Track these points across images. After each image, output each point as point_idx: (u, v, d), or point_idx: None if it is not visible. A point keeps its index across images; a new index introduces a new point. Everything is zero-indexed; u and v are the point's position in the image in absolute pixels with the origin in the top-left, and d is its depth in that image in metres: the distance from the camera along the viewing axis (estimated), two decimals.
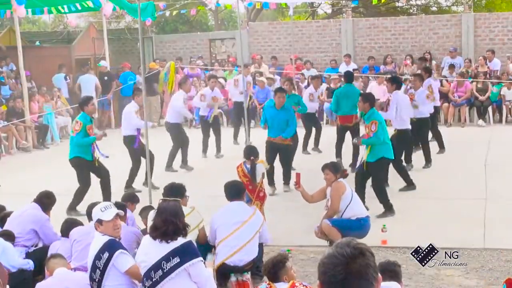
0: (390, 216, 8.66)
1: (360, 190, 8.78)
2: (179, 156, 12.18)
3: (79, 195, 9.45)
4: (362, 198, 8.79)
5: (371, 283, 2.44)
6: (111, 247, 5.33)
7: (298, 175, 7.59)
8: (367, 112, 8.89)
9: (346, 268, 2.44)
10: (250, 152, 8.41)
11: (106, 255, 5.29)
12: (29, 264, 6.40)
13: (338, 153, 11.93)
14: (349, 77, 12.26)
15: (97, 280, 5.32)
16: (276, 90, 10.85)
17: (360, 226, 7.07)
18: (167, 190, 6.74)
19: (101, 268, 5.29)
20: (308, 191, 7.81)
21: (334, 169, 7.43)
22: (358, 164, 9.21)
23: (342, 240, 2.56)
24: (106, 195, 9.42)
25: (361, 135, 9.31)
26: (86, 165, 9.47)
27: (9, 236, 6.56)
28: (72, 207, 9.26)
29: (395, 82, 10.67)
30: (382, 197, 8.79)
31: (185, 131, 12.41)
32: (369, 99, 9.01)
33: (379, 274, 2.49)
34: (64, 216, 7.01)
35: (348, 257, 2.45)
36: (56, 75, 17.61)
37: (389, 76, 12.19)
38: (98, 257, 5.31)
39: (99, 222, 5.43)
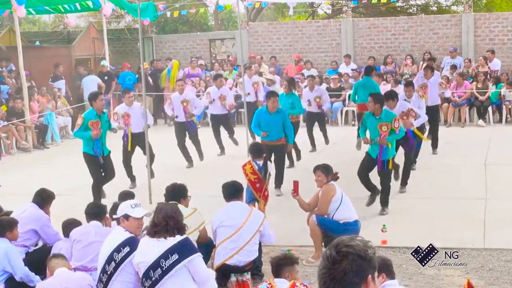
0: (386, 213, 8.76)
1: (366, 182, 8.87)
2: (177, 156, 12.21)
3: (95, 190, 9.47)
4: (371, 185, 8.88)
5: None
6: (133, 243, 5.36)
7: (296, 183, 7.48)
8: (380, 113, 8.78)
9: (328, 271, 2.51)
10: (260, 149, 8.40)
11: (126, 249, 5.33)
12: (34, 282, 6.12)
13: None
14: (368, 70, 13.59)
15: (108, 272, 5.33)
16: (268, 94, 10.62)
17: (345, 230, 6.95)
18: (169, 190, 6.74)
19: (117, 261, 5.31)
20: (308, 191, 7.80)
21: (325, 171, 7.37)
22: (383, 165, 8.87)
23: (341, 238, 2.60)
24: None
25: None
26: (91, 160, 9.46)
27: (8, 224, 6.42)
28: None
29: (395, 96, 10.04)
30: (387, 193, 8.89)
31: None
32: (379, 99, 8.93)
33: (369, 277, 2.51)
34: (66, 216, 6.99)
35: (330, 261, 2.52)
36: (57, 81, 17.59)
37: (385, 93, 12.02)
38: (118, 249, 5.34)
39: (126, 217, 5.49)
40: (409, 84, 11.44)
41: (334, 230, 7.02)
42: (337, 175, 7.47)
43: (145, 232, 5.44)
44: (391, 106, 9.67)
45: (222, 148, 13.20)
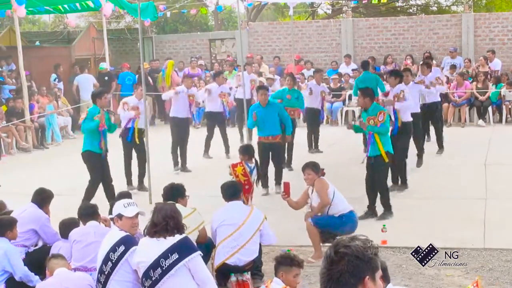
0: (389, 218, 8.60)
1: (370, 193, 8.75)
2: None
3: (89, 192, 9.28)
4: (374, 201, 8.73)
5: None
6: (128, 242, 5.37)
7: (287, 184, 7.51)
8: (369, 107, 8.67)
9: (326, 272, 2.54)
10: (252, 151, 8.43)
11: (122, 248, 5.32)
12: (34, 282, 6.11)
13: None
14: (365, 65, 13.57)
15: (106, 272, 5.32)
16: (257, 88, 10.93)
17: (342, 223, 7.11)
18: (167, 190, 6.73)
19: (113, 261, 5.31)
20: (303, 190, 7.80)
21: (315, 169, 7.38)
22: (363, 159, 8.92)
23: (341, 238, 2.61)
24: (110, 195, 9.38)
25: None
26: (94, 158, 9.33)
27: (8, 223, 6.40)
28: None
29: (398, 75, 10.69)
30: (384, 195, 8.72)
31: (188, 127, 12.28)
32: (368, 93, 8.84)
33: (366, 278, 2.51)
34: (66, 216, 6.98)
35: (329, 262, 2.55)
36: (52, 75, 17.69)
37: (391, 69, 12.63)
38: (113, 249, 5.34)
39: (119, 217, 5.51)
40: (406, 70, 11.88)
41: (333, 226, 7.07)
42: (323, 171, 7.49)
43: (145, 231, 5.44)
44: (392, 84, 10.43)
45: (207, 149, 13.05)
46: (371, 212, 8.71)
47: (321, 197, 7.29)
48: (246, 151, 8.48)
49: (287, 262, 5.21)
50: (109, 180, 9.50)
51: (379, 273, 2.58)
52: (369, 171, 8.77)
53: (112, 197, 9.08)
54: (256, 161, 8.38)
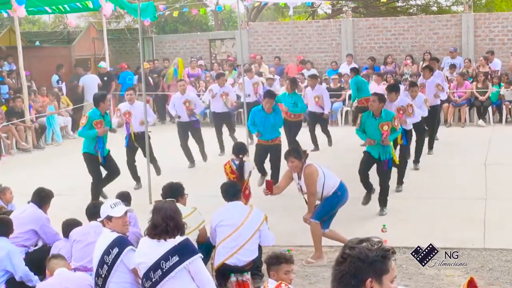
0: (385, 214, 8.76)
1: (365, 180, 8.89)
2: (178, 156, 12.22)
3: (95, 190, 9.47)
4: (368, 186, 8.94)
5: None
6: (121, 243, 5.36)
7: (269, 182, 7.58)
8: (380, 112, 8.75)
9: (334, 272, 2.62)
10: (239, 149, 8.48)
11: (115, 250, 5.31)
12: (33, 282, 6.14)
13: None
14: (355, 71, 14.18)
15: (103, 275, 5.31)
16: (265, 94, 10.63)
17: (339, 198, 7.21)
18: (165, 189, 6.72)
19: (109, 264, 5.30)
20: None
21: (298, 155, 7.28)
22: (389, 163, 8.92)
23: (351, 239, 2.69)
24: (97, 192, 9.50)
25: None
26: (93, 160, 9.47)
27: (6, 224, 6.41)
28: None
29: (396, 89, 10.45)
30: (385, 193, 8.88)
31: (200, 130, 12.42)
32: (383, 100, 8.94)
33: (368, 280, 2.53)
34: (65, 216, 6.98)
35: (336, 262, 2.63)
36: (53, 76, 17.69)
37: (388, 84, 12.30)
38: (107, 252, 5.32)
39: (109, 218, 5.47)
40: (413, 85, 11.32)
41: (333, 206, 7.20)
42: (307, 152, 7.48)
43: (145, 232, 5.42)
44: (392, 99, 9.87)
45: (222, 147, 13.24)
46: (369, 192, 8.95)
47: (307, 186, 7.22)
48: (233, 149, 8.62)
49: (275, 261, 5.24)
50: (114, 174, 9.64)
51: (388, 276, 2.59)
52: (366, 166, 8.90)
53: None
54: (241, 158, 8.39)
